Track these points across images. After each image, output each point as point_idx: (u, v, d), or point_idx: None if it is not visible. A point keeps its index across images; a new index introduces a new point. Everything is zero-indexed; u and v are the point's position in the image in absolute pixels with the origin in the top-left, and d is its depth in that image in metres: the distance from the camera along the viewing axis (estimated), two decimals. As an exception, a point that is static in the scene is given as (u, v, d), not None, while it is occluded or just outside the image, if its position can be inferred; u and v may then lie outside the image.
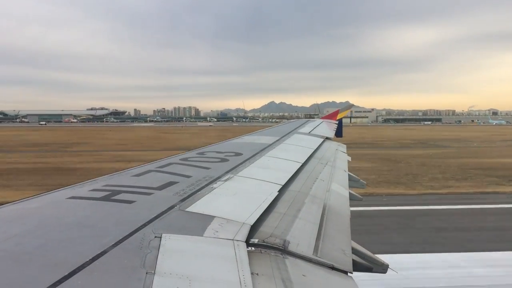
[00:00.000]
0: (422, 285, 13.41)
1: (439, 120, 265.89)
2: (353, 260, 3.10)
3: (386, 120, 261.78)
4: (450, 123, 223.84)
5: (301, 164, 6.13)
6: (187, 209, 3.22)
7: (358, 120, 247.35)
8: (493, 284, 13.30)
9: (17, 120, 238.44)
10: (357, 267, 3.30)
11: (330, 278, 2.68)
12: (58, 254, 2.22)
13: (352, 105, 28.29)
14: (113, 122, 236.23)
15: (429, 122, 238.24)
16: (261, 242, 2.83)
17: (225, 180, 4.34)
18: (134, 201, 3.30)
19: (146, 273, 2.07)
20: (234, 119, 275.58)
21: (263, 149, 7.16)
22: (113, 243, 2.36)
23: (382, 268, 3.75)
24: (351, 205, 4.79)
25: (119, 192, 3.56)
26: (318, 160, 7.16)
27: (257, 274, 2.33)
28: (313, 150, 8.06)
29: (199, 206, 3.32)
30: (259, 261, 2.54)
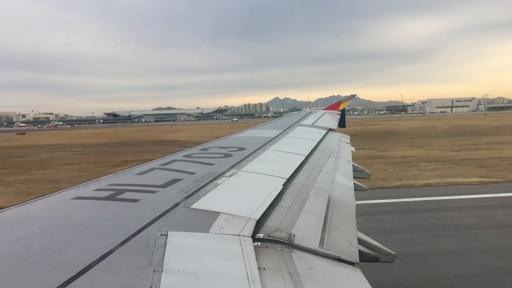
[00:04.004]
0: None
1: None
2: (359, 250, 3.10)
3: (489, 109, 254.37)
4: None
5: (305, 157, 6.11)
6: (192, 206, 3.23)
7: (460, 109, 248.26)
8: None
9: (136, 121, 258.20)
10: (364, 257, 3.30)
11: (337, 270, 2.68)
12: (65, 255, 2.23)
13: (355, 95, 27.88)
14: (224, 119, 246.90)
15: None
16: (267, 237, 2.84)
17: (229, 176, 4.34)
18: (139, 200, 3.30)
19: (154, 271, 2.07)
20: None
21: (267, 143, 7.15)
22: (119, 242, 2.37)
23: (389, 257, 3.75)
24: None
25: (124, 191, 3.57)
26: (322, 152, 7.14)
27: (264, 268, 2.33)
28: (316, 142, 8.05)
29: (204, 203, 3.32)
30: (266, 255, 2.54)
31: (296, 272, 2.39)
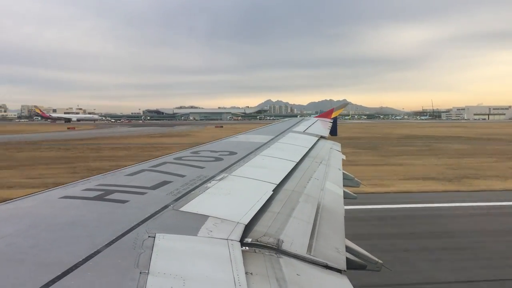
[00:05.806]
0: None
1: None
2: (347, 258, 3.11)
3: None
4: None
5: (295, 163, 6.13)
6: (181, 209, 3.21)
7: (496, 117, 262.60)
8: None
9: (183, 118, 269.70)
10: (351, 265, 3.31)
11: (324, 277, 2.69)
12: (51, 254, 2.21)
13: (349, 103, 27.94)
14: (268, 119, 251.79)
15: None
16: (255, 242, 2.83)
17: (219, 180, 4.33)
18: (128, 201, 3.28)
19: (140, 273, 2.06)
20: (362, 117, 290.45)
21: (258, 148, 7.16)
22: (106, 243, 2.35)
23: (376, 266, 3.77)
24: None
25: (112, 191, 3.55)
26: (312, 159, 7.17)
27: (251, 273, 2.33)
28: (307, 149, 8.08)
29: (193, 206, 3.31)
30: (253, 260, 2.54)
31: (283, 278, 2.39)
